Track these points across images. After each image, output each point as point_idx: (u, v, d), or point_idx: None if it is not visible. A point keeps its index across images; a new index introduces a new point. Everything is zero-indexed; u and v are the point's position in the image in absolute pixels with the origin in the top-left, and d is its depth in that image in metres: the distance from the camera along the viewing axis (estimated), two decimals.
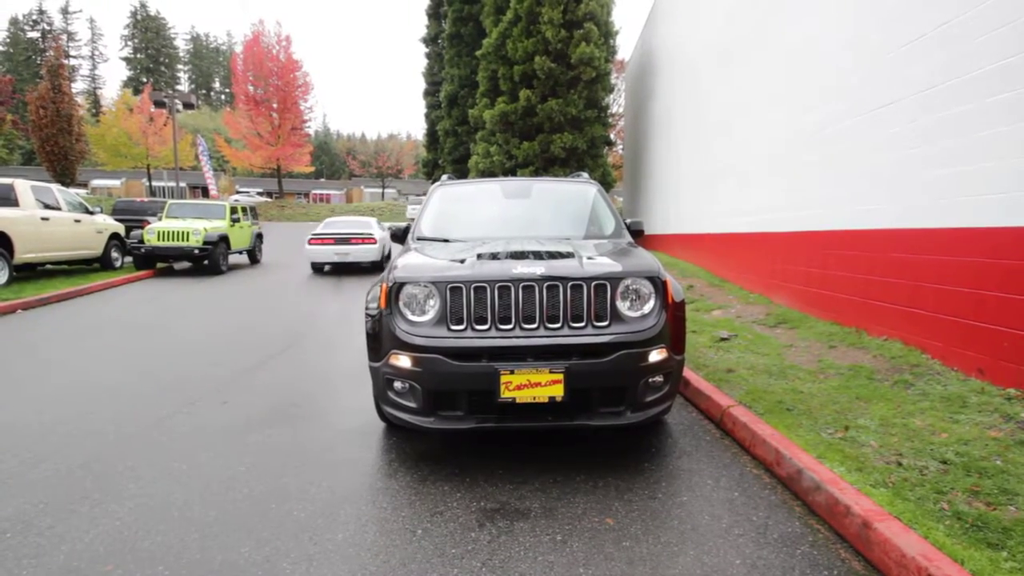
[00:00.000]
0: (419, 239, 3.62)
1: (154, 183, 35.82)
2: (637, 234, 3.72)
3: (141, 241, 10.93)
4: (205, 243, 11.17)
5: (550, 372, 2.41)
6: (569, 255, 2.79)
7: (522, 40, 13.78)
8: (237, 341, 5.45)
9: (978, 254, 3.47)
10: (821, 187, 5.46)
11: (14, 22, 63.39)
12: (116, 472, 2.59)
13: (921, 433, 2.80)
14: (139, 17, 72.41)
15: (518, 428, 2.56)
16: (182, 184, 25.73)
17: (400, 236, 3.95)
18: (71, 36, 66.99)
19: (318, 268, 11.66)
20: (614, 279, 2.56)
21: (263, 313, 7.13)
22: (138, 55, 71.64)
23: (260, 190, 42.40)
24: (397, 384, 2.58)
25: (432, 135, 22.50)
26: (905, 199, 4.22)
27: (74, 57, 64.86)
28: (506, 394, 2.41)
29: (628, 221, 3.82)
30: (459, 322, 2.52)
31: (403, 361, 2.52)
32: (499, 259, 2.74)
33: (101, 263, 10.81)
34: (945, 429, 2.82)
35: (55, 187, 9.96)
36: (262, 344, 5.20)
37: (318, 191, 52.58)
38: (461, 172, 18.57)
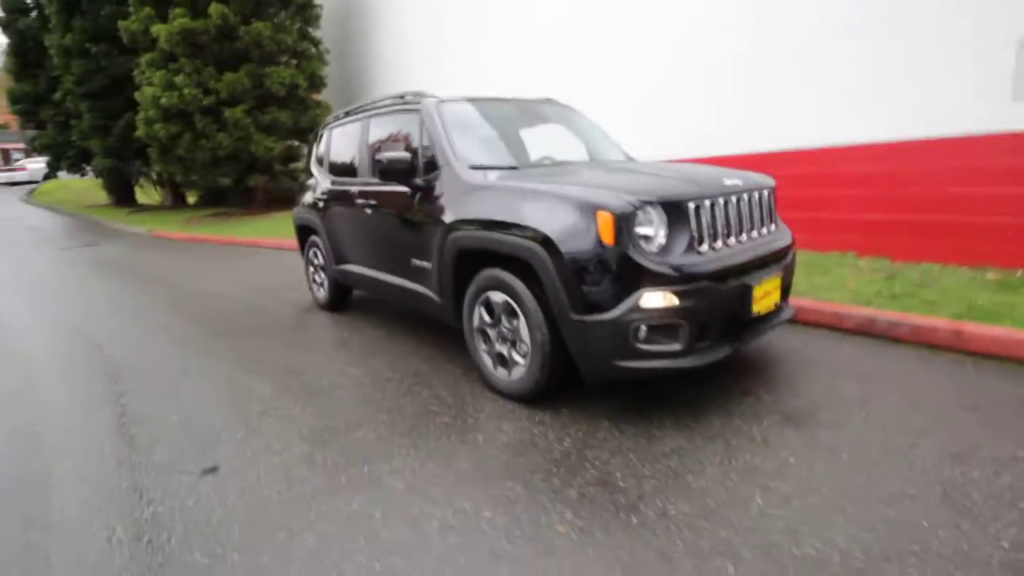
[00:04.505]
0: (474, 168, 2.81)
1: None
2: None
3: None
4: None
5: (775, 277, 2.49)
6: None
7: None
8: None
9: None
10: None
11: None
12: None
13: (853, 284, 4.11)
14: None
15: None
16: None
17: (406, 170, 2.95)
18: None
19: None
20: (771, 188, 2.76)
21: None
22: None
23: None
24: (645, 329, 2.15)
25: (23, 55, 14.66)
26: None
27: None
28: (754, 309, 2.38)
29: None
30: (701, 242, 2.27)
31: (661, 299, 2.13)
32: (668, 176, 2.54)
33: None
34: (852, 279, 4.23)
35: None
36: None
37: None
38: (108, 110, 13.19)
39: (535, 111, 3.58)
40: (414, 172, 3.01)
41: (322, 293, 4.69)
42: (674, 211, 2.23)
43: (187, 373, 3.35)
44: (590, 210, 2.17)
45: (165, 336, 4.16)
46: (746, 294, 2.33)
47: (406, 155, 2.98)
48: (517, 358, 2.55)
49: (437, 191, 2.92)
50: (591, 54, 7.09)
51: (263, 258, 8.05)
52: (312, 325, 4.27)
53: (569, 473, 2.01)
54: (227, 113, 11.23)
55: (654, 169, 2.79)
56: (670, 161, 3.58)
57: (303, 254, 4.99)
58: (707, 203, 2.31)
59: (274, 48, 11.63)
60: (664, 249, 2.21)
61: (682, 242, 2.24)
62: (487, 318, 2.68)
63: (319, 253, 4.55)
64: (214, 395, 2.98)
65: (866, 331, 3.28)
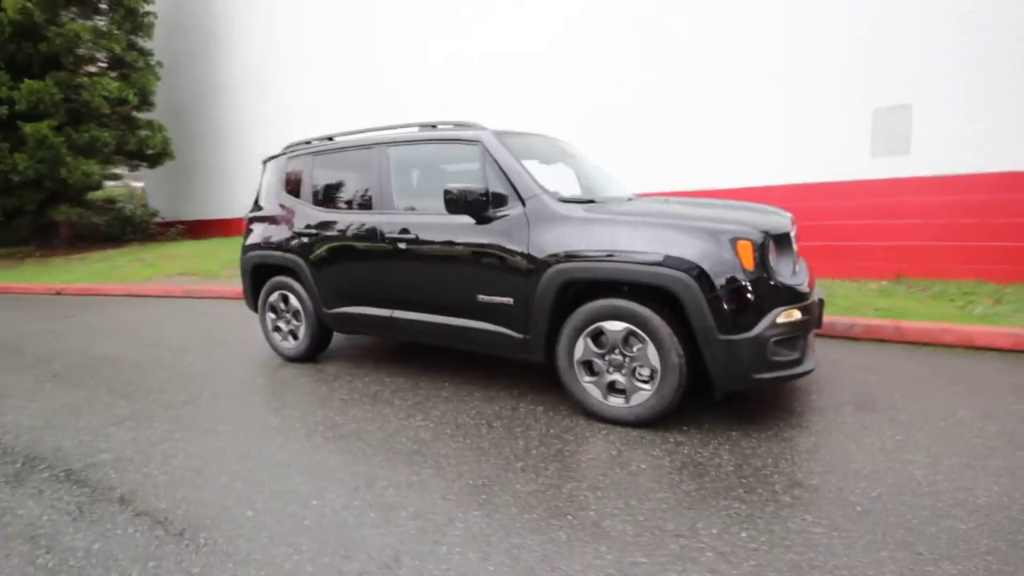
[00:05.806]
0: (563, 201, 2.87)
1: None
2: None
3: None
4: None
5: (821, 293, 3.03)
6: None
7: None
8: None
9: None
10: None
11: None
12: None
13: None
14: None
15: None
16: None
17: (480, 201, 2.87)
18: None
19: None
20: None
21: None
22: None
23: None
24: (774, 343, 2.46)
25: None
26: None
27: None
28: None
29: None
30: (795, 265, 2.69)
31: (788, 316, 2.48)
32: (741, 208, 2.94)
33: None
34: None
35: None
36: None
37: None
38: None
39: (560, 147, 3.72)
40: (487, 204, 2.90)
41: (291, 343, 4.04)
42: (781, 240, 2.61)
43: (187, 456, 2.60)
44: (730, 239, 2.41)
45: (96, 417, 3.13)
46: (822, 307, 2.80)
47: (480, 187, 2.86)
48: (639, 384, 2.62)
49: (517, 224, 2.86)
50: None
51: (127, 309, 6.47)
52: (300, 381, 3.63)
53: (760, 482, 2.15)
54: (27, 128, 8.79)
55: (735, 204, 3.18)
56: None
57: (254, 300, 4.25)
58: (792, 233, 2.74)
59: (94, 55, 9.59)
60: (786, 272, 2.56)
61: (787, 266, 2.62)
62: (595, 348, 2.71)
63: (291, 297, 3.94)
64: (264, 477, 2.37)
65: (828, 333, 4.10)
